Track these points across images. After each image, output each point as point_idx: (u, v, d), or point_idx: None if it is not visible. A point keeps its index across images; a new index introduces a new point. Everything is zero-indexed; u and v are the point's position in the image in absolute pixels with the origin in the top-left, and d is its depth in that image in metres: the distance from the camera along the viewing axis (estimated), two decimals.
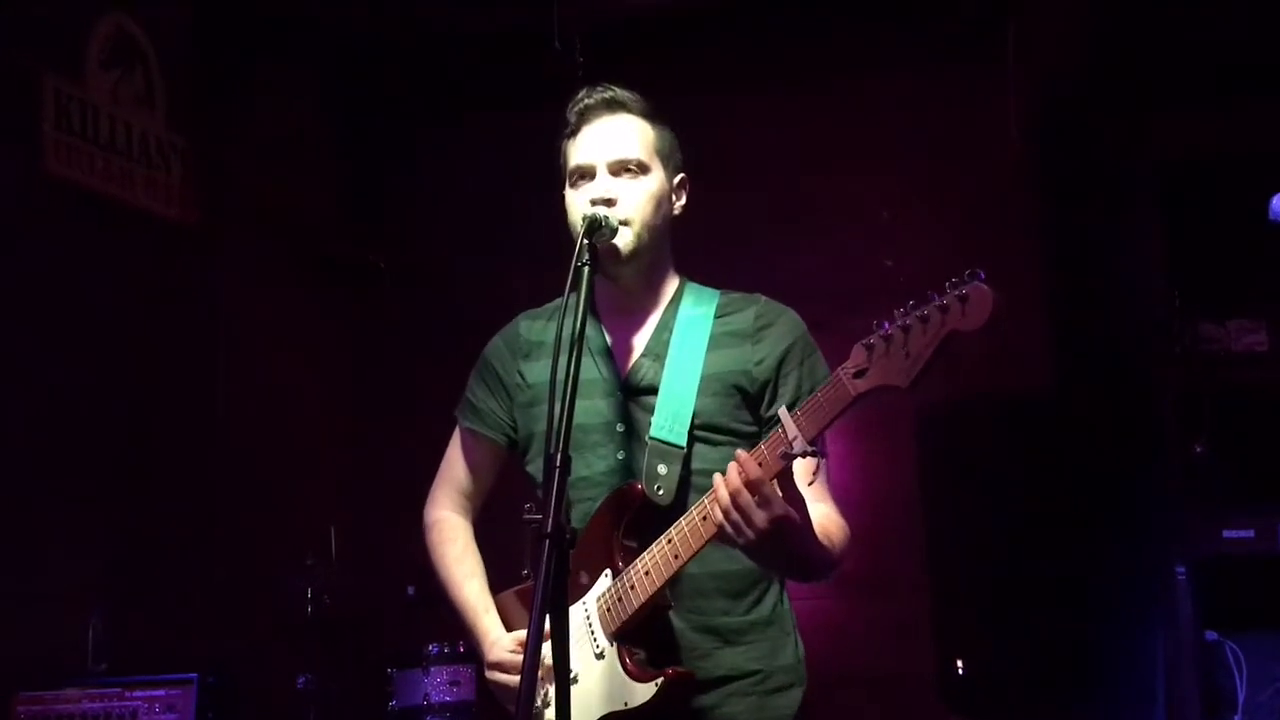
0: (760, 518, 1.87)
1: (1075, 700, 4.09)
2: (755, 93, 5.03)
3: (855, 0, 4.74)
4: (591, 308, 2.24)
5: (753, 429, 2.19)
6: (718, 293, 2.31)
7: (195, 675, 3.31)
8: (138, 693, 3.28)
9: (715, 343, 2.21)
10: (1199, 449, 3.83)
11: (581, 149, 2.21)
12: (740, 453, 1.91)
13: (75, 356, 3.71)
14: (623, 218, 2.14)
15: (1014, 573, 4.19)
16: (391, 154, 5.30)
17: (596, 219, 2.06)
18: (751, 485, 1.87)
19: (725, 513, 1.89)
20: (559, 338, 1.90)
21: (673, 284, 2.31)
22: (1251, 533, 3.76)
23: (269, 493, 4.36)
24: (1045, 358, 4.59)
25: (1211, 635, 3.74)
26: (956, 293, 1.73)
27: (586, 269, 1.97)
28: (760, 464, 1.89)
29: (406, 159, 5.30)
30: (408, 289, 5.00)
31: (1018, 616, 4.16)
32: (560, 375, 1.84)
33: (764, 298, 2.31)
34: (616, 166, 2.18)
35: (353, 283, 5.02)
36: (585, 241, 2.01)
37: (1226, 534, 3.76)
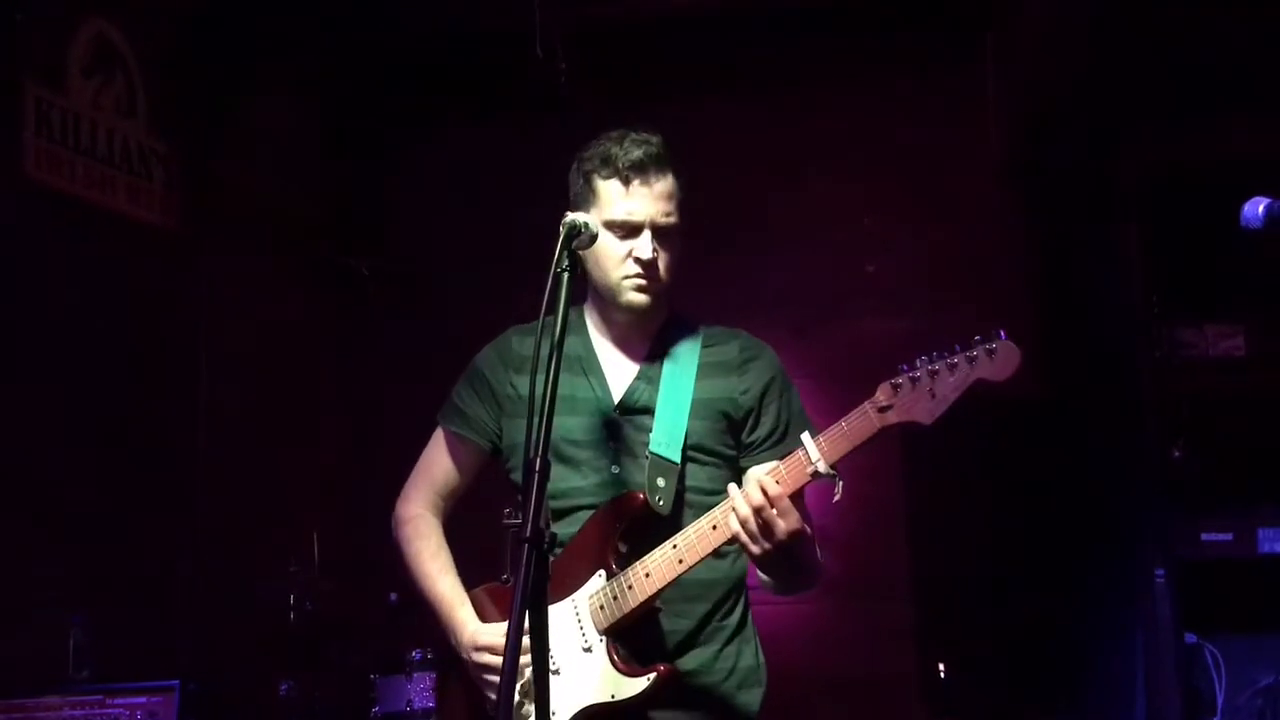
0: (780, 528, 2.07)
1: (1056, 702, 4.12)
2: (734, 99, 5.06)
3: (839, 8, 4.77)
4: (584, 331, 2.43)
5: (733, 452, 2.39)
6: (701, 325, 2.48)
7: (177, 682, 3.29)
8: (119, 700, 3.26)
9: (703, 372, 2.39)
10: (1177, 453, 3.86)
11: (633, 204, 2.31)
12: (760, 473, 2.12)
13: (57, 363, 3.70)
14: (660, 276, 2.34)
15: (995, 576, 4.21)
16: (378, 159, 5.30)
17: (575, 225, 2.09)
18: (773, 499, 2.07)
19: (744, 521, 2.08)
20: (538, 343, 1.97)
21: (663, 312, 2.45)
22: (1230, 536, 3.80)
23: (251, 499, 4.35)
24: (1027, 362, 4.61)
25: (1191, 638, 3.77)
26: (985, 347, 2.01)
27: (566, 275, 2.02)
28: (778, 481, 2.10)
29: (392, 164, 5.30)
30: (393, 295, 5.00)
31: (999, 619, 4.18)
32: (540, 387, 1.91)
33: (744, 333, 2.50)
34: (661, 230, 2.32)
35: (338, 288, 5.01)
36: (565, 248, 2.05)
37: (1205, 537, 3.80)
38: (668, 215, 2.33)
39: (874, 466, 4.55)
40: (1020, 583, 4.18)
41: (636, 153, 2.31)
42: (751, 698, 2.35)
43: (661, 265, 2.34)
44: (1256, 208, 1.98)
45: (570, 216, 2.14)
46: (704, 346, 2.42)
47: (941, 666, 4.24)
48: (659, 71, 4.87)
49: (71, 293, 3.76)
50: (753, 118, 5.03)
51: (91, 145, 3.90)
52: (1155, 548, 3.82)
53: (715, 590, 2.34)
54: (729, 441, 2.38)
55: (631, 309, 2.36)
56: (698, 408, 2.35)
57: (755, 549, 2.09)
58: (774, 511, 2.06)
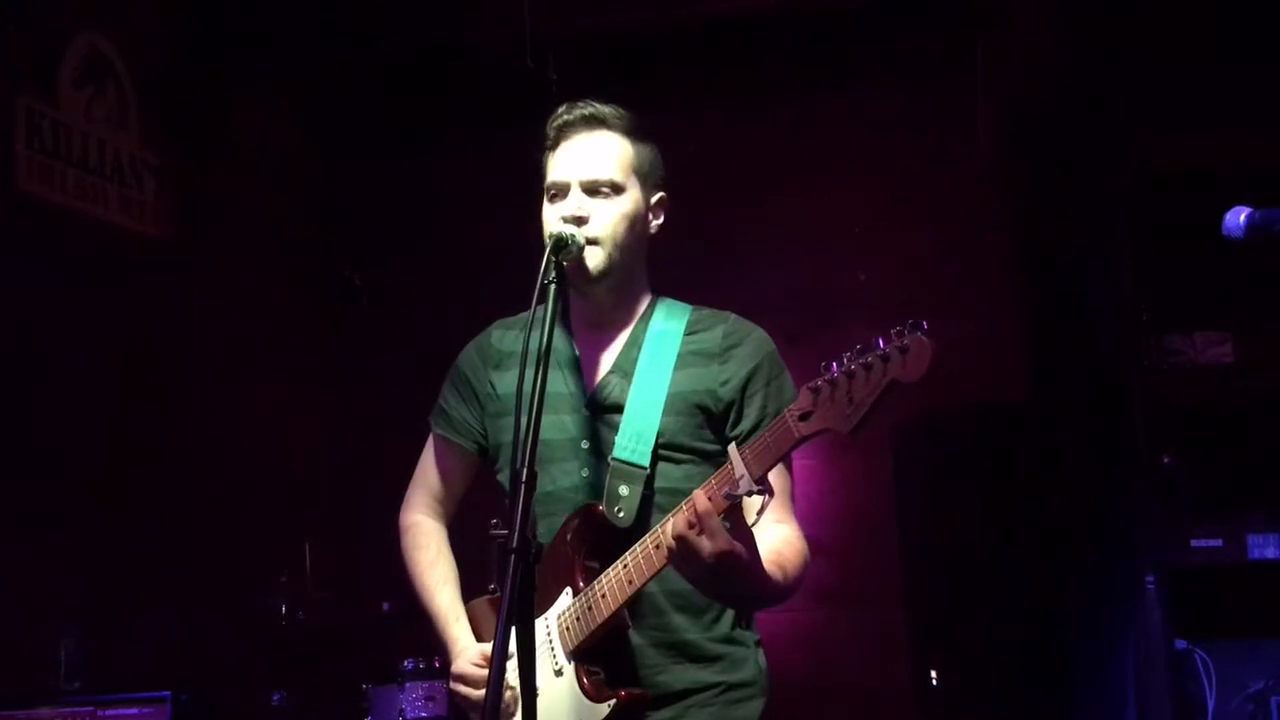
0: (706, 550, 1.87)
1: (1048, 709, 4.12)
2: (728, 108, 5.07)
3: (831, 15, 4.78)
4: (563, 321, 2.28)
5: (716, 448, 2.20)
6: (689, 309, 2.31)
7: (169, 693, 3.29)
8: (111, 711, 3.27)
9: (682, 361, 2.22)
10: (1167, 459, 3.87)
11: (558, 166, 2.21)
12: (697, 492, 1.92)
13: (48, 374, 3.70)
14: (592, 236, 2.15)
15: (987, 583, 4.21)
16: (370, 170, 5.31)
17: (563, 237, 2.08)
18: (699, 519, 1.87)
19: (672, 546, 1.91)
20: (525, 352, 1.92)
21: (645, 299, 2.31)
22: (1219, 542, 3.80)
23: (243, 509, 4.34)
24: (1017, 371, 4.63)
25: (1181, 644, 3.77)
26: (898, 343, 1.75)
27: (553, 286, 1.99)
28: (710, 498, 1.90)
29: (385, 175, 5.31)
30: (385, 306, 5.00)
31: (991, 627, 4.18)
32: (526, 390, 1.86)
33: (733, 316, 2.31)
34: (590, 186, 2.18)
35: (330, 299, 5.01)
36: (552, 259, 2.04)
37: (1195, 543, 3.80)
38: (597, 171, 2.17)
39: (865, 474, 4.58)
40: (1011, 589, 4.18)
41: (565, 115, 2.22)
42: (748, 712, 2.18)
43: (598, 224, 2.15)
44: (1238, 217, 1.96)
45: (559, 227, 2.12)
46: (686, 333, 2.24)
47: (934, 673, 4.24)
48: (651, 80, 4.87)
49: (63, 304, 3.76)
50: (744, 127, 5.05)
51: (83, 156, 3.90)
52: (1146, 554, 3.83)
53: (694, 600, 2.14)
54: (708, 437, 2.19)
55: (572, 281, 2.18)
56: (672, 402, 2.17)
57: (685, 572, 1.92)
58: (698, 533, 1.86)
